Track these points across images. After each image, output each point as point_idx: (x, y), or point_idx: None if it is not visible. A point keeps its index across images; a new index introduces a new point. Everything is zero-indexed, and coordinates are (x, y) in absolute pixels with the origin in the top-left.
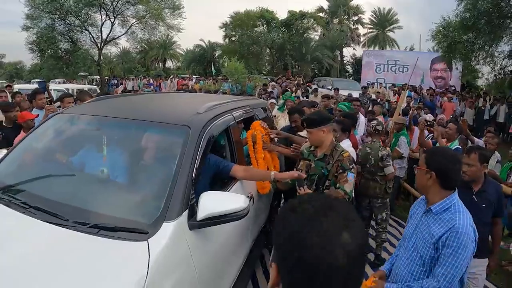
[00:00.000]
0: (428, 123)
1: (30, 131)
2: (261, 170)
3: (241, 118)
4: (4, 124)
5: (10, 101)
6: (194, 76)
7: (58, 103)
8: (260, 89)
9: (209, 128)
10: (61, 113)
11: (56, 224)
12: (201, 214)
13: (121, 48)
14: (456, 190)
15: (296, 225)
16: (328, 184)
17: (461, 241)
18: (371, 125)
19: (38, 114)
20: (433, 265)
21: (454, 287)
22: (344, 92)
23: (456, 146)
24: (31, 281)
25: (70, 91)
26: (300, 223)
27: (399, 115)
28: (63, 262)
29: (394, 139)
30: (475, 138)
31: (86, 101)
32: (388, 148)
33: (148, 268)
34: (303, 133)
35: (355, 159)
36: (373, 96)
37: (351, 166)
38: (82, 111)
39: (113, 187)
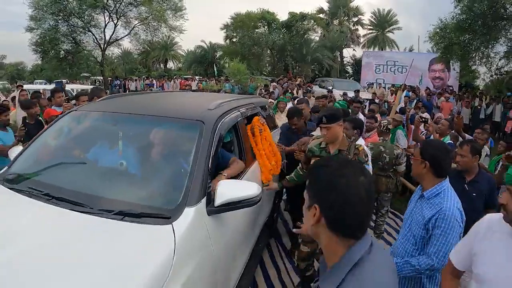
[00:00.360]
0: (423, 119)
1: (47, 126)
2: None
3: (247, 115)
4: (26, 120)
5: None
6: (196, 77)
7: (74, 101)
8: (261, 89)
9: (220, 123)
10: (76, 110)
11: (85, 212)
12: (219, 200)
13: (122, 49)
14: (447, 178)
15: (329, 175)
16: None
17: (449, 222)
18: (382, 124)
19: (61, 111)
20: (423, 244)
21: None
22: (351, 93)
23: (448, 141)
24: (73, 258)
25: (75, 92)
26: (330, 173)
27: (396, 113)
28: (99, 244)
29: (391, 134)
30: (466, 134)
31: (100, 98)
32: (400, 147)
33: (174, 247)
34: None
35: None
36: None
37: (366, 159)
38: (98, 108)
39: (135, 177)
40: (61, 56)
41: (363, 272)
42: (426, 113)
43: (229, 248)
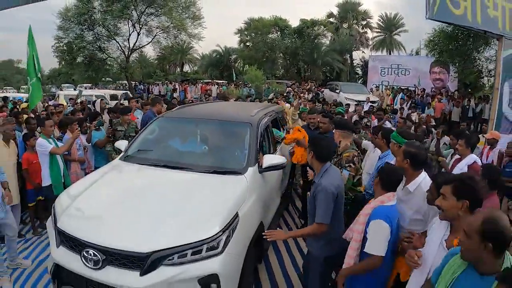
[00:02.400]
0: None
1: (145, 126)
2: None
3: (272, 118)
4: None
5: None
6: (215, 81)
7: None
8: (275, 95)
9: (259, 124)
10: (162, 116)
11: (192, 171)
12: (265, 164)
13: (139, 53)
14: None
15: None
16: None
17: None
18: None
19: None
20: None
21: None
22: (352, 96)
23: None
24: (193, 192)
25: (106, 96)
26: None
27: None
28: (206, 186)
29: None
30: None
31: (175, 108)
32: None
33: (247, 185)
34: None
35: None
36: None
37: (346, 165)
38: (179, 114)
39: (218, 155)
40: (86, 63)
41: (329, 171)
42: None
43: (271, 190)
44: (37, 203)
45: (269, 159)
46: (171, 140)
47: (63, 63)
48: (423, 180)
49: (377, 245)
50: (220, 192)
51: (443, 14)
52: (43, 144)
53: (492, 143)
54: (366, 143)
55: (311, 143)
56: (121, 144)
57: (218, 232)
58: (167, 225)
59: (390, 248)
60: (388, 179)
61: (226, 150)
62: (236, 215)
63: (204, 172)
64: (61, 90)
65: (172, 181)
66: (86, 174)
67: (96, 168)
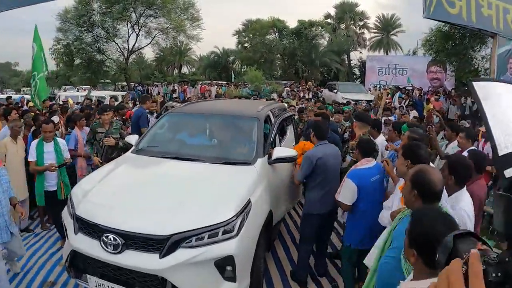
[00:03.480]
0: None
1: (156, 120)
2: None
3: (275, 114)
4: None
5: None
6: (214, 82)
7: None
8: (273, 95)
9: (265, 118)
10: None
11: (203, 162)
12: (274, 156)
13: (137, 55)
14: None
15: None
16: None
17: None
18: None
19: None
20: None
21: None
22: (349, 96)
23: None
24: (206, 180)
25: (106, 97)
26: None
27: (383, 111)
28: (218, 175)
29: None
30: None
31: (183, 104)
32: None
33: (257, 174)
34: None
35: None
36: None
37: (350, 151)
38: (189, 110)
39: (226, 147)
40: (85, 65)
41: (319, 146)
42: (414, 111)
43: (282, 182)
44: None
45: (278, 152)
46: (181, 134)
47: (61, 65)
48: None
49: (343, 196)
50: (232, 180)
51: (439, 13)
52: (31, 152)
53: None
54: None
55: (313, 125)
56: (131, 138)
57: (233, 216)
58: (185, 210)
59: (363, 201)
60: (364, 147)
61: (235, 143)
62: (249, 201)
63: (216, 163)
64: (64, 91)
65: (185, 171)
66: (92, 169)
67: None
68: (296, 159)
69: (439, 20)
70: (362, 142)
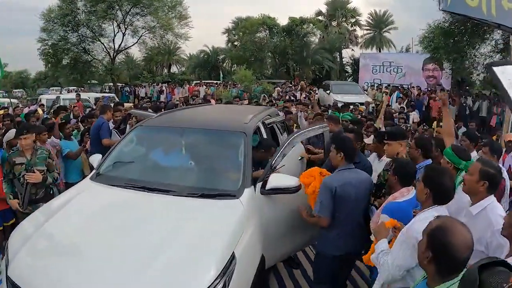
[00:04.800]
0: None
1: (122, 137)
2: None
3: (267, 124)
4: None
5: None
6: (205, 82)
7: None
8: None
9: (254, 132)
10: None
11: (175, 195)
12: (268, 186)
13: (126, 55)
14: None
15: None
16: (381, 194)
17: None
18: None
19: None
20: None
21: None
22: (341, 97)
23: None
24: (178, 225)
25: (90, 99)
26: None
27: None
28: (193, 215)
29: None
30: None
31: (158, 114)
32: None
33: (244, 213)
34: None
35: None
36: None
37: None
38: (162, 123)
39: (204, 172)
40: (71, 65)
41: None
42: (415, 112)
43: (282, 217)
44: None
45: (275, 180)
46: (151, 155)
47: (49, 65)
48: (491, 204)
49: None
50: (210, 226)
51: (457, 6)
52: None
53: (510, 146)
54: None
55: (340, 142)
56: (94, 159)
57: (213, 282)
58: (146, 277)
59: None
60: (403, 172)
61: (217, 167)
62: (233, 256)
63: (191, 196)
64: (60, 93)
65: (152, 210)
66: (58, 190)
67: (67, 184)
68: (297, 190)
69: (456, 13)
70: (400, 166)
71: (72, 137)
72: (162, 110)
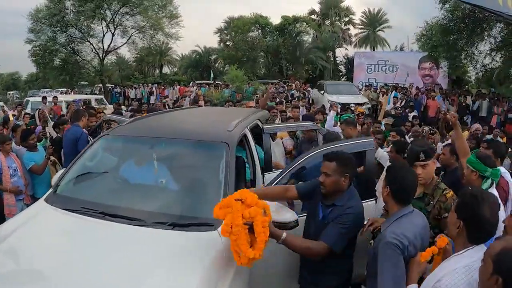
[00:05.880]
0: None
1: (83, 150)
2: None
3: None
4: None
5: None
6: (198, 82)
7: None
8: (257, 96)
9: (239, 141)
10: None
11: (141, 225)
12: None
13: (117, 56)
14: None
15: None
16: None
17: None
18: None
19: None
20: None
21: None
22: (336, 98)
23: None
24: (143, 269)
25: (79, 101)
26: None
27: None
28: (161, 255)
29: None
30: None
31: (126, 122)
32: None
33: (223, 248)
34: None
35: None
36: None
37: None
38: (132, 131)
39: (177, 193)
40: (60, 66)
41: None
42: (414, 112)
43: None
44: None
45: (276, 211)
46: (117, 171)
47: (39, 67)
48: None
49: None
50: (182, 268)
51: None
52: None
53: None
54: (382, 155)
55: (394, 179)
56: (56, 176)
57: None
58: None
59: None
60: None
61: (192, 186)
62: None
63: (159, 226)
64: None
65: (110, 247)
66: (26, 205)
67: (34, 198)
68: (295, 226)
69: (469, 4)
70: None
71: (37, 147)
72: None
